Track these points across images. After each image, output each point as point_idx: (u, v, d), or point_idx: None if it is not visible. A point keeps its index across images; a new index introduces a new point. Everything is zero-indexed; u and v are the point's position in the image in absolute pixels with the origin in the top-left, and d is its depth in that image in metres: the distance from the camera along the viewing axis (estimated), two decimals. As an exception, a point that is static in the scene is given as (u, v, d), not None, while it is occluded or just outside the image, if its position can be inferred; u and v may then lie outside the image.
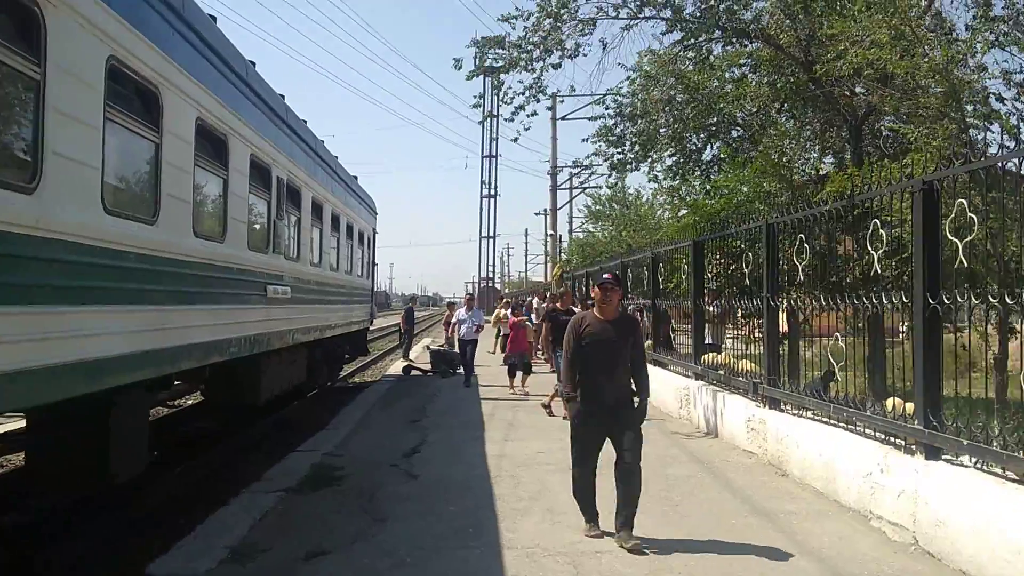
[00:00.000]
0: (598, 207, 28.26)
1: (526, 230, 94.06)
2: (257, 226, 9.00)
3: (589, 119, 40.90)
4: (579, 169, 38.65)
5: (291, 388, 12.13)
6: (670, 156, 15.35)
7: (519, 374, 14.94)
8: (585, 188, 40.45)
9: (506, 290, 73.57)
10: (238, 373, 9.52)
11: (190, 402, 14.05)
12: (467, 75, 15.95)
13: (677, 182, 15.38)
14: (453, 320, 16.35)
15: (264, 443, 11.20)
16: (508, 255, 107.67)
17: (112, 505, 7.06)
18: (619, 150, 15.65)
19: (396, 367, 21.19)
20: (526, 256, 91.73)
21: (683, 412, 11.72)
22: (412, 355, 23.07)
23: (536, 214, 61.71)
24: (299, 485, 7.44)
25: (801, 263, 8.33)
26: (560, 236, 44.12)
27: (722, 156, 14.13)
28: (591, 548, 5.63)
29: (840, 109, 11.85)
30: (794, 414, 8.33)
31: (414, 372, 18.90)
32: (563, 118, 38.29)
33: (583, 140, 19.52)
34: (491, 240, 54.67)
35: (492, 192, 53.29)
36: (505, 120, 31.95)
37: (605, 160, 16.21)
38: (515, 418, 11.79)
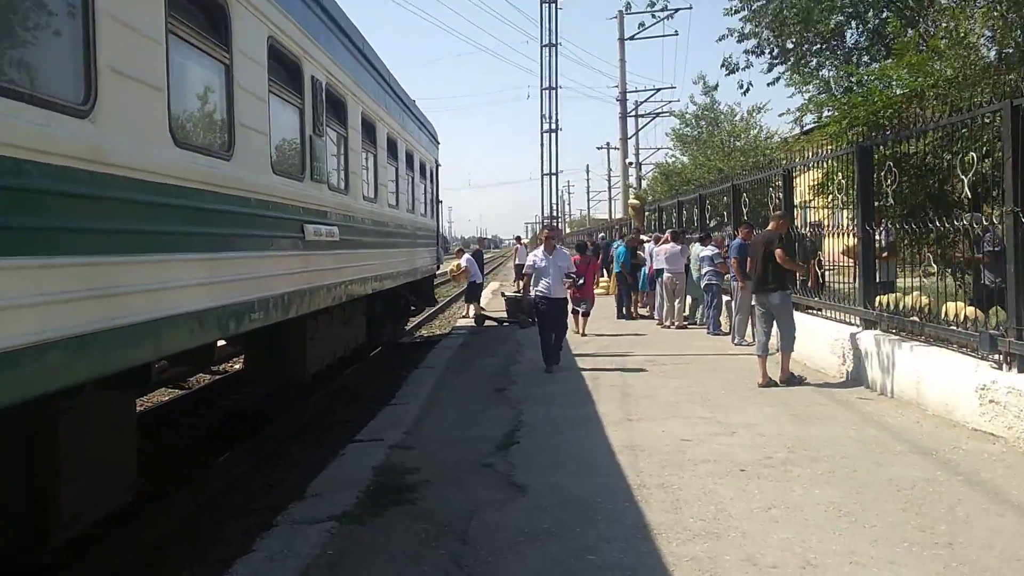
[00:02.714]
0: (685, 128, 25.07)
1: (587, 166, 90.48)
2: (284, 142, 6.58)
3: (660, 36, 37.39)
4: (660, 89, 35.09)
5: (348, 353, 9.84)
6: (796, 45, 12.22)
7: (580, 318, 13.66)
8: (659, 113, 37.10)
9: (567, 229, 70.46)
10: (276, 342, 7.28)
11: (238, 367, 11.92)
12: None
13: (803, 76, 12.23)
14: (526, 267, 12.67)
15: (316, 423, 9.01)
16: (568, 193, 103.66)
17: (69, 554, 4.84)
18: (777, 37, 12.55)
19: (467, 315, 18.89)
20: (588, 193, 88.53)
21: (845, 368, 9.08)
22: (483, 301, 20.79)
23: (599, 148, 58.36)
24: (357, 507, 5.13)
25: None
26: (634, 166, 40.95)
27: (889, 30, 10.75)
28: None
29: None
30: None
31: (488, 322, 16.66)
32: (631, 38, 35.01)
33: (718, 40, 15.41)
34: (554, 177, 52.05)
35: (553, 126, 50.50)
36: None
37: (764, 52, 13.08)
38: (625, 384, 9.32)
